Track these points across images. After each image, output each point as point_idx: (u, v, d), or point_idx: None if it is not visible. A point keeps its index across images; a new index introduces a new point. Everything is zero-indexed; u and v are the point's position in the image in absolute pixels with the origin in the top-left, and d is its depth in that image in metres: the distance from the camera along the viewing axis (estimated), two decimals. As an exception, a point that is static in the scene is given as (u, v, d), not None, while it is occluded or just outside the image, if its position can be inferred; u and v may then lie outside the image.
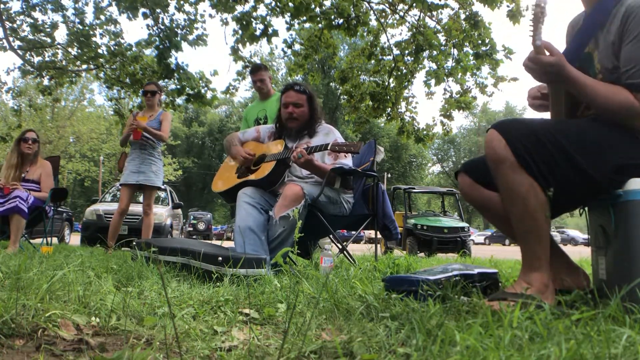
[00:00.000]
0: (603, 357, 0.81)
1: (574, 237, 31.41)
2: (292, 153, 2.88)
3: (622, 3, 1.51)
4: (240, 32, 8.10)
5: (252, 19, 8.02)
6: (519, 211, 1.47)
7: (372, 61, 9.94)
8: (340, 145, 2.74)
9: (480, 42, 8.50)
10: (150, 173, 4.78)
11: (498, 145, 1.45)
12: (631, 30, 1.45)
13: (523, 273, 1.50)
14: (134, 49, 9.30)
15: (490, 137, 1.48)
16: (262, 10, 8.27)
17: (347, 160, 3.02)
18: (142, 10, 8.06)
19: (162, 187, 5.11)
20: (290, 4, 8.02)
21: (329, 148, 2.74)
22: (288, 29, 8.78)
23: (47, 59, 9.89)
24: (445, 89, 9.69)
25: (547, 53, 1.47)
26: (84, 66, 10.07)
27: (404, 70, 9.64)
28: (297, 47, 9.59)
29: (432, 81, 9.35)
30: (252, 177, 2.98)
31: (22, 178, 4.58)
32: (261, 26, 8.04)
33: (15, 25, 9.57)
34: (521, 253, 1.53)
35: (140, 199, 7.29)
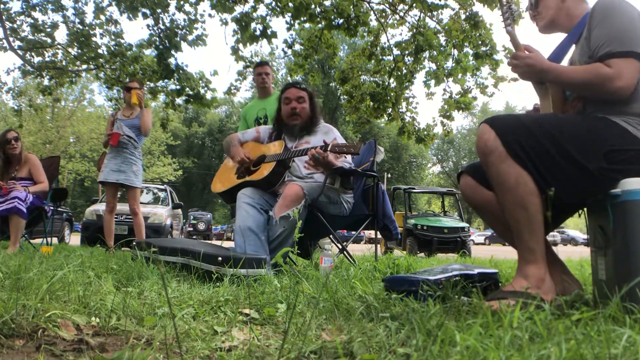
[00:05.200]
0: (603, 357, 0.81)
1: (574, 237, 31.37)
2: (293, 154, 2.88)
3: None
4: (239, 32, 8.10)
5: (251, 20, 8.02)
6: (509, 201, 1.50)
7: (372, 61, 9.93)
8: (340, 146, 2.73)
9: (480, 42, 8.49)
10: (130, 173, 4.76)
11: (488, 137, 1.51)
12: (595, 20, 1.57)
13: (519, 267, 1.53)
14: (134, 49, 9.30)
15: (481, 131, 1.55)
16: (262, 10, 8.28)
17: (348, 159, 3.03)
18: (142, 10, 8.06)
19: (141, 187, 5.05)
20: (290, 4, 8.01)
21: (328, 149, 2.73)
22: (288, 29, 8.78)
23: (47, 59, 9.87)
24: (444, 90, 9.69)
25: (527, 53, 1.62)
26: (84, 66, 10.06)
27: (404, 71, 9.62)
28: (297, 47, 9.58)
29: (432, 82, 9.34)
30: (251, 177, 2.98)
31: (14, 177, 4.53)
32: (260, 27, 8.04)
33: (15, 25, 9.57)
34: (516, 248, 1.54)
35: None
